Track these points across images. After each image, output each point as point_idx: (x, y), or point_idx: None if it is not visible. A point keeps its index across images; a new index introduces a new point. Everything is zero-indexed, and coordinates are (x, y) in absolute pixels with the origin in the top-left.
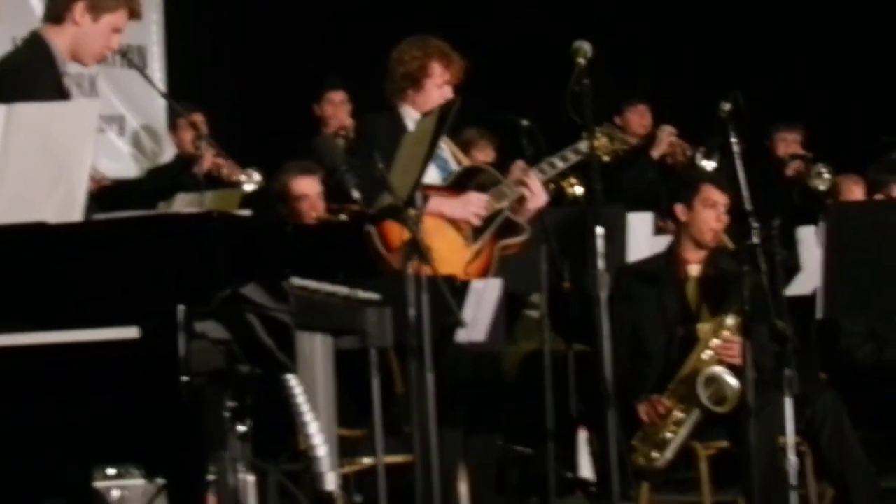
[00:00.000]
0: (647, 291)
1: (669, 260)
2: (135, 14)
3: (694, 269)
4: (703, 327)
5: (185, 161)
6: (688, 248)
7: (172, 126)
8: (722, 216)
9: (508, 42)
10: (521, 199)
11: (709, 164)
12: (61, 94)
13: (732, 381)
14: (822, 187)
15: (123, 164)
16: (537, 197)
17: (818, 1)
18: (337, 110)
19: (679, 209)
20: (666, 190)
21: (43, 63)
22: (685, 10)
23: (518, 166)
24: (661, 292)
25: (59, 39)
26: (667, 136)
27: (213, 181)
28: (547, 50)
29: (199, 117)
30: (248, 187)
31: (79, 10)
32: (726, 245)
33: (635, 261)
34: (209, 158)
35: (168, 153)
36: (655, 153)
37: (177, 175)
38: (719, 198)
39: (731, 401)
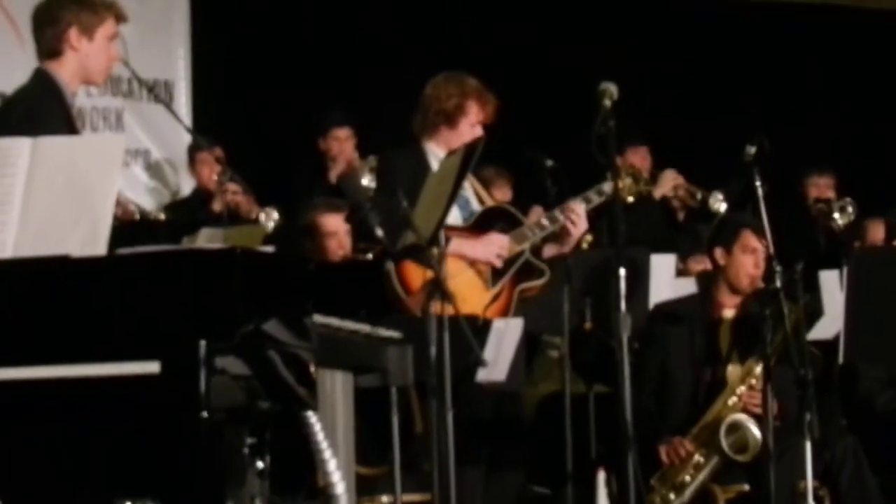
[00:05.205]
0: (678, 331)
1: (704, 301)
2: (120, 17)
3: (728, 313)
4: (732, 373)
5: (203, 196)
6: (723, 292)
7: (192, 161)
8: (760, 262)
9: (531, 81)
10: (564, 230)
11: (723, 206)
12: (70, 127)
13: (755, 431)
14: (841, 221)
15: (146, 198)
16: (580, 224)
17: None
18: (342, 146)
19: (718, 252)
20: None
21: (51, 97)
22: (713, 56)
23: (536, 212)
24: (692, 333)
25: (63, 70)
26: (670, 179)
27: (231, 218)
28: (572, 89)
29: (218, 152)
30: (268, 225)
31: (74, 37)
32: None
33: (670, 300)
34: (228, 194)
35: (186, 187)
36: (657, 193)
37: (194, 211)
38: (758, 245)
39: (753, 450)
